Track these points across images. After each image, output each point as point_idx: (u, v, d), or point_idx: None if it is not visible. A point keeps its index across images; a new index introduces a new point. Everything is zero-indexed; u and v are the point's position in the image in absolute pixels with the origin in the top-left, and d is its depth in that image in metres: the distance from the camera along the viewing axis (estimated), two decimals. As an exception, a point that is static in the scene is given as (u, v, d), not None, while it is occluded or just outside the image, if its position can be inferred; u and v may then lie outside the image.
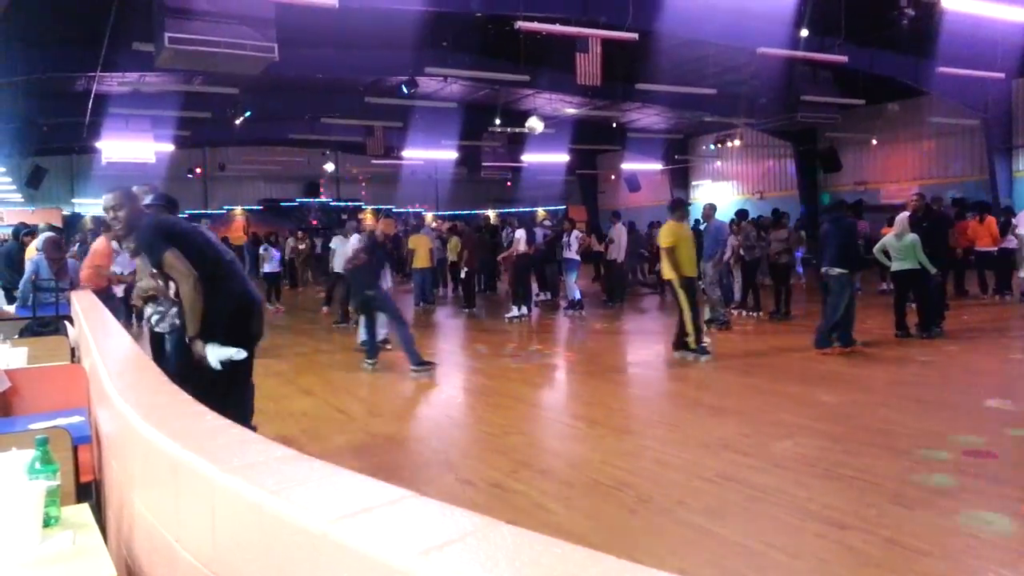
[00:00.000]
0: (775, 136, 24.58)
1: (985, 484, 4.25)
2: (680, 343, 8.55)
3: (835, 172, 23.04)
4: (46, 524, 1.85)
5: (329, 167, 28.87)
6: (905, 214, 9.28)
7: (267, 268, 15.24)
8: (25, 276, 7.63)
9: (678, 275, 8.25)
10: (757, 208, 20.93)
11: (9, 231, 12.62)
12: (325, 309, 13.75)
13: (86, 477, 2.87)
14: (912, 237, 8.95)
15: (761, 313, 11.81)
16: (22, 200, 25.16)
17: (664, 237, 8.46)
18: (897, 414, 5.91)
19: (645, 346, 10.43)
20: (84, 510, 2.07)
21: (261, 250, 16.10)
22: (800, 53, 14.95)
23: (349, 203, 31.50)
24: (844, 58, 14.77)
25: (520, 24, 11.48)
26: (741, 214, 12.71)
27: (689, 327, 8.35)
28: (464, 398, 7.46)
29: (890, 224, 9.70)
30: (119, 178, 25.42)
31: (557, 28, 12.25)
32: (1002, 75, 16.70)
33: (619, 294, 14.28)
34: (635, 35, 12.60)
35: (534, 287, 14.80)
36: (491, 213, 30.54)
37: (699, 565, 3.31)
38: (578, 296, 13.18)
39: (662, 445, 5.29)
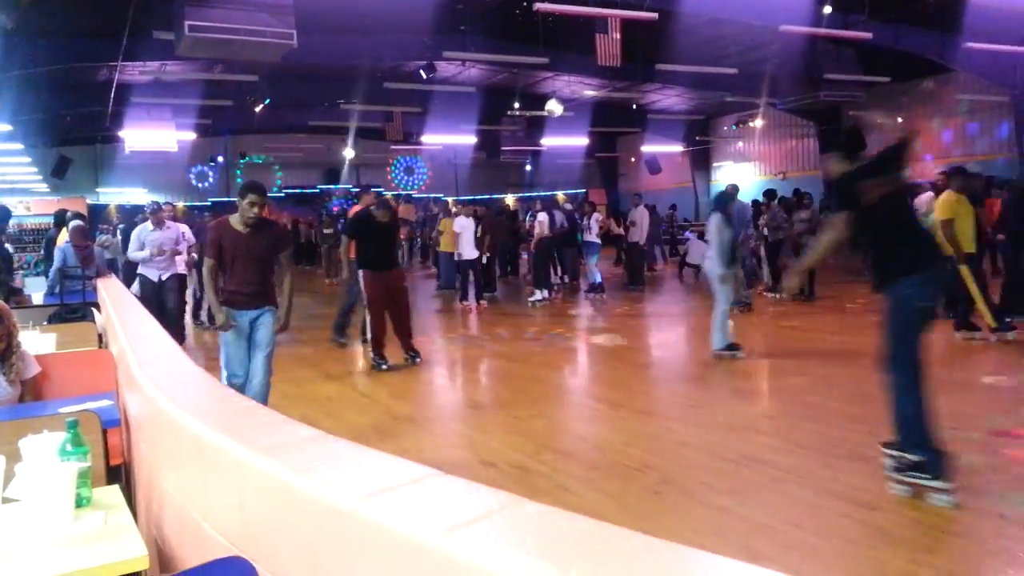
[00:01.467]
0: (798, 115, 24.23)
1: (1015, 465, 4.20)
2: (964, 323, 7.82)
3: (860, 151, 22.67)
4: (78, 505, 1.89)
5: (349, 153, 28.91)
6: (930, 193, 9.14)
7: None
8: (55, 264, 7.75)
9: (956, 251, 7.44)
10: (780, 189, 20.65)
11: (50, 220, 12.02)
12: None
13: (115, 460, 2.91)
14: (935, 217, 8.81)
15: (784, 294, 11.71)
16: (48, 190, 25.47)
17: (941, 209, 7.63)
18: (923, 394, 5.84)
19: (667, 328, 10.39)
20: (115, 491, 2.10)
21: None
22: (823, 30, 14.70)
23: (371, 189, 31.57)
24: (868, 34, 14.51)
25: (539, 5, 11.39)
26: (769, 194, 12.56)
27: (981, 306, 7.53)
28: (487, 381, 7.49)
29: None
30: (142, 167, 25.81)
31: (576, 9, 12.14)
32: (1031, 49, 16.32)
33: (640, 277, 14.22)
34: (655, 15, 12.46)
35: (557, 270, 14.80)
36: (510, 198, 30.44)
37: (724, 545, 3.30)
38: (599, 279, 13.14)
39: (685, 427, 5.28)
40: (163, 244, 7.97)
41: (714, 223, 7.56)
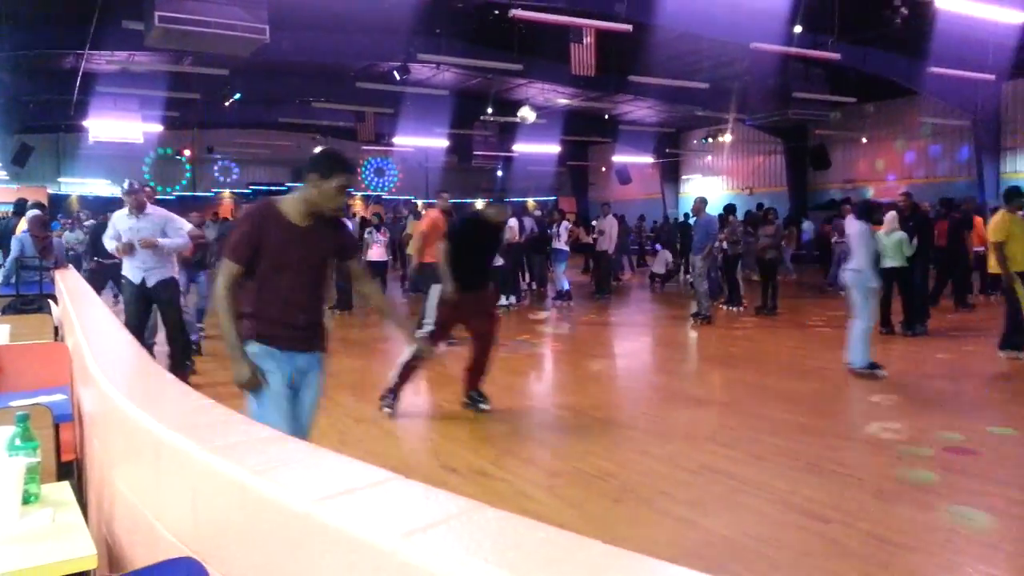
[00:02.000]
0: (766, 132, 24.63)
1: (965, 480, 4.28)
2: (1010, 342, 7.63)
3: (824, 169, 23.13)
4: (26, 501, 1.83)
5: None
6: (894, 212, 9.32)
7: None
8: (11, 254, 7.56)
9: (1005, 272, 7.38)
10: (746, 204, 20.93)
11: (9, 208, 11.21)
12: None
13: (67, 456, 2.85)
14: (899, 235, 9.00)
15: (743, 307, 11.85)
16: (7, 178, 24.88)
17: (994, 231, 7.52)
18: (880, 410, 5.95)
19: (632, 337, 10.45)
20: (65, 488, 2.05)
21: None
22: (793, 49, 14.96)
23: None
24: (837, 55, 14.80)
25: (515, 12, 11.43)
26: (729, 209, 12.75)
27: None
28: (450, 385, 7.45)
29: (877, 223, 9.67)
30: (106, 157, 25.33)
31: (551, 17, 12.20)
32: (992, 77, 16.77)
33: (607, 286, 14.31)
34: (629, 26, 12.57)
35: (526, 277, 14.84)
36: (480, 203, 30.45)
37: (681, 555, 3.32)
38: (566, 287, 13.19)
39: (646, 436, 5.31)
40: (141, 236, 6.07)
41: (859, 232, 7.18)
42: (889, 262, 9.08)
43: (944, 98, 19.25)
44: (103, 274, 8.27)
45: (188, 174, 29.67)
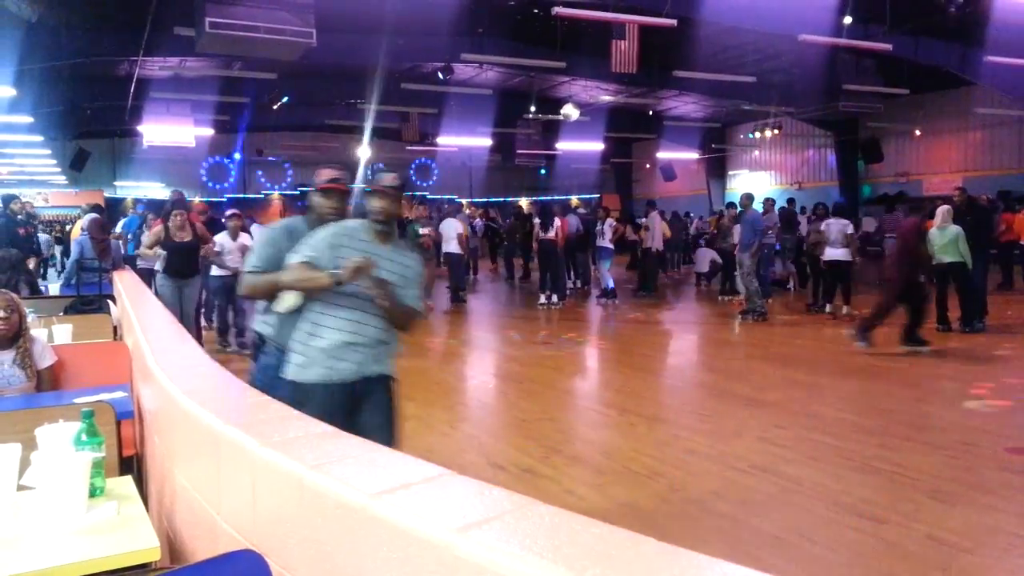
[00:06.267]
0: (815, 125, 24.13)
1: (1027, 482, 4.16)
2: None
3: (876, 163, 22.58)
4: (92, 494, 1.90)
5: (365, 152, 29.02)
6: (947, 207, 9.07)
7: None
8: (72, 257, 7.81)
9: None
10: (797, 199, 20.48)
11: (67, 212, 11.30)
12: None
13: (128, 451, 2.94)
14: (955, 230, 8.76)
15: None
16: (66, 182, 25.67)
17: None
18: (937, 409, 5.80)
19: (678, 335, 10.36)
20: (127, 482, 2.11)
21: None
22: (843, 41, 14.62)
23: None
24: (888, 46, 14.43)
25: (557, 10, 11.38)
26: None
27: None
28: (496, 384, 7.48)
29: (930, 217, 9.41)
30: (160, 161, 25.98)
31: (594, 14, 12.12)
32: (1053, 64, 16.18)
33: (652, 283, 14.19)
34: (674, 21, 12.42)
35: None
36: (524, 201, 30.49)
37: (731, 555, 3.27)
38: (611, 285, 13.12)
39: (695, 435, 5.26)
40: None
41: None
42: (943, 258, 8.85)
43: (1001, 87, 18.62)
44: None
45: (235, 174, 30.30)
